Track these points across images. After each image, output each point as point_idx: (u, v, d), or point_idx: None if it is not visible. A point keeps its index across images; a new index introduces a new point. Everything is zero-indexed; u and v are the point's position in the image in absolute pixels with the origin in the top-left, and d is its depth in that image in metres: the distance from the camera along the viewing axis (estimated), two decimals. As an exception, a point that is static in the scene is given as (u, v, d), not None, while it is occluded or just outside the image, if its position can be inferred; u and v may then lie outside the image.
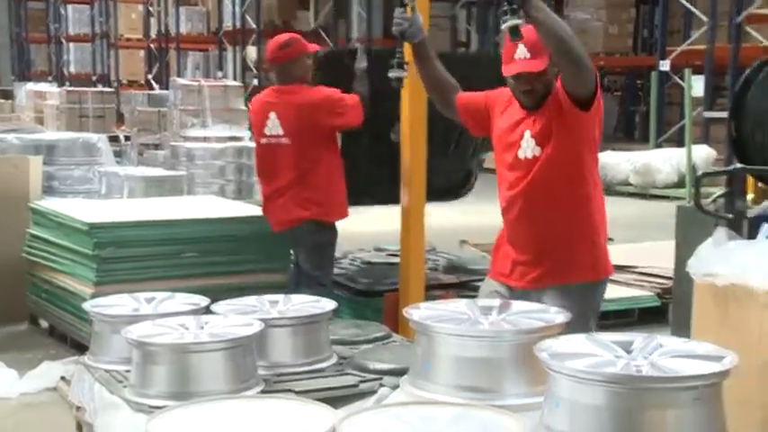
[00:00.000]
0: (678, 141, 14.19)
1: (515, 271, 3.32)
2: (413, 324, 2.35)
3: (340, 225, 5.00)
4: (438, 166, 5.14)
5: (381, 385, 2.59)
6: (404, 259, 5.00)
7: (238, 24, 20.92)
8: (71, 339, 5.51)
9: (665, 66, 14.41)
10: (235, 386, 2.43)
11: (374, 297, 5.34)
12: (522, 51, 3.09)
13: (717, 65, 13.80)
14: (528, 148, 3.21)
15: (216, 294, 3.08)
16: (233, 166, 11.02)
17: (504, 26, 2.79)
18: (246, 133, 11.80)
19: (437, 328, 2.29)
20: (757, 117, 4.81)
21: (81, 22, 25.35)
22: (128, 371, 2.61)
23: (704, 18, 14.06)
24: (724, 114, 10.54)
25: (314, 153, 4.80)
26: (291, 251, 5.30)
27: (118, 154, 12.16)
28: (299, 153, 4.79)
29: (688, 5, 14.86)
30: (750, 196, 4.40)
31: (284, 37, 4.96)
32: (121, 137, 14.26)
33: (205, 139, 11.48)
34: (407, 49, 3.59)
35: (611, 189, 12.76)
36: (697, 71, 12.58)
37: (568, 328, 2.30)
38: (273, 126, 4.85)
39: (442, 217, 7.12)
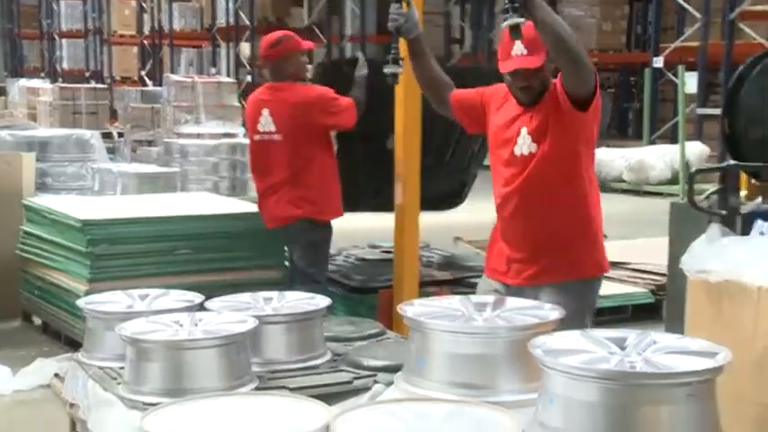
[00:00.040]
0: (672, 138, 14.21)
1: (511, 268, 3.31)
2: (407, 321, 2.35)
3: (335, 222, 5.00)
4: (432, 178, 5.16)
5: (375, 382, 2.59)
6: (398, 256, 5.00)
7: (232, 21, 20.89)
8: (65, 336, 5.51)
9: (658, 62, 14.43)
10: (229, 383, 2.43)
11: (368, 294, 5.34)
12: (518, 48, 3.09)
13: (710, 61, 13.82)
14: (524, 144, 3.21)
15: (210, 291, 3.07)
16: (226, 162, 11.00)
17: (504, 24, 2.79)
18: (240, 130, 11.78)
19: (431, 325, 2.29)
20: (750, 114, 4.82)
21: (74, 18, 25.27)
22: (121, 368, 2.60)
23: (697, 15, 14.08)
24: (717, 111, 10.58)
25: (307, 151, 4.79)
26: (286, 248, 5.30)
27: (111, 150, 12.13)
28: (291, 150, 4.79)
29: (681, 2, 14.88)
30: (743, 193, 4.41)
31: (277, 34, 4.96)
32: (115, 133, 14.22)
33: (198, 136, 11.46)
34: (402, 45, 3.58)
35: (605, 186, 12.77)
36: (690, 68, 12.57)
37: (565, 325, 2.30)
38: (266, 123, 4.85)
39: (435, 214, 7.12)
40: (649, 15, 17.07)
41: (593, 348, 2.00)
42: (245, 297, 2.92)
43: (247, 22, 20.31)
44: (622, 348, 2.01)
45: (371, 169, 5.34)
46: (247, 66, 20.52)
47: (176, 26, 22.31)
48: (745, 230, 3.26)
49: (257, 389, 2.47)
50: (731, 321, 2.49)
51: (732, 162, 4.05)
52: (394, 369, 2.50)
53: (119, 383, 2.58)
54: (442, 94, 3.50)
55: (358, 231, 7.30)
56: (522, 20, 2.78)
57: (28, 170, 6.61)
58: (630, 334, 2.07)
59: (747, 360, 2.39)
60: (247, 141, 5.46)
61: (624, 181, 13.62)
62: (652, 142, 14.36)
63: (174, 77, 13.28)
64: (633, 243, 7.74)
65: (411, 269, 4.97)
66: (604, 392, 1.82)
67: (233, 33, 20.89)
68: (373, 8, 19.80)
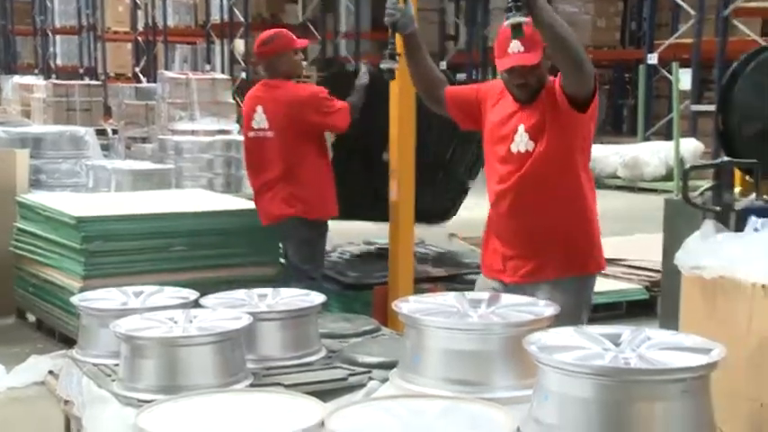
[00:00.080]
0: (666, 134, 14.23)
1: (508, 266, 3.31)
2: (402, 317, 2.35)
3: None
4: (425, 194, 5.18)
5: (370, 378, 2.59)
6: (393, 253, 5.00)
7: (226, 17, 20.87)
8: (59, 333, 5.50)
9: (652, 59, 14.44)
10: (224, 380, 2.43)
11: (363, 290, 5.35)
12: (515, 45, 3.09)
13: (704, 58, 13.83)
14: (521, 142, 3.21)
15: (204, 288, 3.07)
16: (221, 159, 10.99)
17: (507, 23, 2.79)
18: (235, 127, 11.77)
19: (426, 322, 2.29)
20: (744, 110, 4.83)
21: (67, 15, 25.21)
22: (116, 365, 2.60)
23: (692, 11, 14.09)
24: (711, 108, 10.57)
25: (299, 149, 4.79)
26: (281, 245, 5.31)
27: (105, 147, 12.10)
28: (284, 148, 4.79)
29: (675, -1, 14.89)
30: (737, 189, 4.42)
31: (270, 32, 4.98)
32: (109, 130, 14.19)
33: (193, 133, 11.44)
34: (398, 41, 3.58)
35: (600, 182, 12.77)
36: (684, 64, 12.58)
37: (562, 321, 2.30)
38: (260, 120, 4.86)
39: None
40: (644, 12, 17.09)
41: (587, 345, 2.00)
42: (239, 294, 2.92)
43: (242, 19, 20.29)
44: (617, 345, 2.01)
45: (367, 181, 5.37)
46: (242, 62, 20.50)
47: (170, 22, 22.26)
48: (739, 227, 3.27)
49: (252, 386, 2.47)
50: (725, 318, 2.50)
51: (726, 158, 4.06)
52: (389, 366, 2.50)
53: (113, 380, 2.58)
54: (435, 90, 3.50)
55: (353, 228, 7.28)
56: (524, 19, 2.78)
57: (22, 167, 6.59)
58: (625, 330, 2.07)
59: (741, 356, 2.39)
60: (242, 138, 5.47)
61: (619, 177, 13.63)
62: (646, 139, 14.37)
63: (169, 74, 13.25)
64: (628, 239, 7.75)
65: (406, 266, 4.98)
66: (599, 389, 1.82)
67: (227, 30, 20.87)
68: (368, 5, 19.80)
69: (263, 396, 2.17)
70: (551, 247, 3.25)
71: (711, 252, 2.59)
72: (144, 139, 12.89)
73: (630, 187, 13.39)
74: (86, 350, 2.84)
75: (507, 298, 2.56)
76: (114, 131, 13.83)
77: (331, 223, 5.03)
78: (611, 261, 6.65)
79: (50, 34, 25.67)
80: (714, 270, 2.54)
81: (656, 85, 15.65)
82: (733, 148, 4.77)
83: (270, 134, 4.83)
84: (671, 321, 3.17)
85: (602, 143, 14.05)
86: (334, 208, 4.93)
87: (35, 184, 8.36)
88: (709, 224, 2.86)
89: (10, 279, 5.99)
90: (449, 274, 5.66)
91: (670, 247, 4.41)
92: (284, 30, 5.12)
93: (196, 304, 2.84)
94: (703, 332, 2.10)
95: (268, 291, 2.94)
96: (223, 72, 19.22)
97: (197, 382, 2.38)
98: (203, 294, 2.90)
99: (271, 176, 4.85)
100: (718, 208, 3.77)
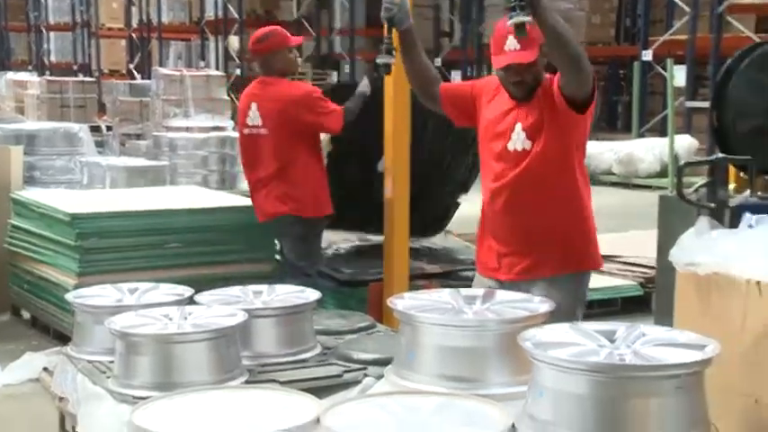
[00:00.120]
0: (661, 131, 14.24)
1: (503, 264, 3.31)
2: (397, 314, 2.35)
3: (325, 215, 5.01)
4: (419, 208, 5.21)
5: (366, 375, 2.59)
6: (388, 249, 5.00)
7: (220, 14, 20.83)
8: (54, 330, 5.49)
9: (647, 55, 14.45)
10: (219, 377, 2.43)
11: (358, 287, 5.35)
12: (511, 43, 3.09)
13: (699, 55, 13.85)
14: (518, 140, 3.21)
15: (200, 285, 3.07)
16: (216, 156, 10.97)
17: (510, 22, 2.79)
18: (229, 123, 11.75)
19: (421, 318, 2.29)
20: (739, 107, 4.83)
21: (61, 11, 25.15)
22: (111, 362, 2.60)
23: (686, 8, 14.11)
24: (706, 104, 10.58)
25: (292, 147, 4.79)
26: (277, 241, 5.31)
27: (100, 144, 12.09)
28: (277, 146, 4.80)
29: (670, -5, 14.91)
30: (732, 186, 4.42)
31: (265, 30, 4.98)
32: (103, 127, 14.17)
33: (187, 129, 11.42)
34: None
35: (595, 178, 12.78)
36: (679, 61, 12.61)
37: (558, 319, 2.30)
38: (254, 117, 4.87)
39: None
40: (638, 8, 17.10)
41: (582, 341, 2.00)
42: (234, 290, 2.92)
43: (236, 16, 20.26)
44: (612, 341, 2.02)
45: (361, 192, 5.40)
46: (236, 59, 20.47)
47: (165, 19, 22.22)
48: (734, 223, 3.27)
49: (247, 382, 2.47)
50: (720, 314, 2.50)
51: (721, 155, 4.06)
52: (384, 362, 2.51)
53: (108, 377, 2.58)
54: (430, 87, 3.50)
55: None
56: (528, 18, 2.78)
57: (16, 163, 6.57)
58: (620, 327, 2.08)
59: (736, 352, 2.40)
60: (236, 135, 5.47)
61: (613, 174, 13.64)
62: (641, 135, 14.38)
63: (163, 71, 13.23)
64: (622, 236, 7.76)
65: (401, 262, 4.98)
66: (594, 385, 1.82)
67: (222, 26, 20.83)
68: (362, 1, 19.79)
69: (258, 393, 2.17)
70: (547, 245, 3.25)
71: (706, 249, 2.59)
72: (138, 136, 12.87)
73: (625, 184, 13.40)
74: (81, 347, 2.84)
75: (502, 294, 2.56)
76: (108, 128, 13.80)
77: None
78: (606, 257, 6.64)
79: (44, 31, 25.60)
80: (708, 267, 2.54)
81: (651, 81, 15.66)
82: (727, 144, 4.77)
83: (263, 131, 4.84)
84: (666, 318, 3.17)
85: (596, 139, 14.06)
86: (329, 206, 4.92)
87: (29, 180, 8.35)
88: (703, 221, 2.86)
89: (5, 276, 5.98)
90: (444, 270, 5.66)
91: (664, 244, 4.41)
92: (279, 27, 5.12)
93: (191, 301, 2.84)
94: (698, 328, 2.11)
95: (263, 287, 2.94)
96: (217, 69, 19.20)
97: (192, 379, 2.39)
98: (198, 291, 2.90)
99: (264, 174, 4.85)
100: (712, 204, 3.77)
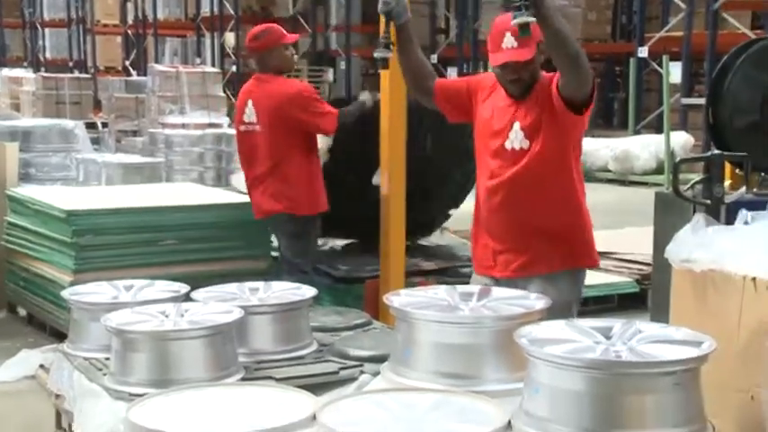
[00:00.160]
0: (657, 128, 14.26)
1: (498, 261, 3.31)
2: (393, 311, 2.35)
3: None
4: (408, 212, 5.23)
5: (362, 372, 2.59)
6: (384, 246, 5.01)
7: (216, 10, 20.83)
8: (50, 327, 5.49)
9: (643, 52, 14.46)
10: (215, 374, 2.42)
11: (355, 284, 5.35)
12: (509, 40, 3.08)
13: (694, 51, 13.87)
14: (516, 139, 3.20)
15: (196, 282, 3.07)
16: (212, 152, 10.96)
17: (514, 22, 2.79)
18: (225, 120, 11.75)
19: (417, 315, 2.29)
20: (734, 103, 4.84)
21: (56, 7, 25.12)
22: (107, 359, 2.60)
23: (682, 5, 14.12)
24: (702, 101, 10.60)
25: (286, 145, 4.79)
26: (274, 238, 5.31)
27: (95, 141, 12.07)
28: (271, 143, 4.80)
29: (666, -8, 14.92)
30: (727, 182, 4.43)
31: (261, 27, 4.99)
32: (99, 123, 14.15)
33: (183, 126, 11.43)
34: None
35: (591, 175, 12.80)
36: (675, 58, 12.63)
37: (552, 315, 2.30)
38: (250, 114, 4.88)
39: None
40: (634, 5, 17.11)
41: (578, 338, 2.00)
42: (231, 287, 2.92)
43: (232, 12, 20.25)
44: (608, 338, 2.02)
45: (357, 203, 5.41)
46: (232, 55, 20.46)
47: (160, 15, 22.20)
48: (730, 220, 3.27)
49: (243, 379, 2.47)
50: (716, 311, 2.50)
51: (716, 152, 4.06)
52: (380, 359, 2.50)
53: (104, 374, 2.58)
54: (425, 82, 3.49)
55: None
56: (532, 19, 2.78)
57: (11, 160, 6.56)
58: (616, 323, 2.08)
59: (732, 349, 2.40)
60: (232, 132, 5.48)
61: (609, 170, 13.66)
62: (637, 132, 14.40)
63: (159, 67, 13.24)
64: (618, 233, 7.76)
65: (397, 259, 4.98)
66: (590, 382, 1.82)
67: (217, 23, 20.83)
68: (358, -2, 19.79)
69: (254, 390, 2.18)
70: (544, 242, 3.25)
71: (702, 245, 2.59)
72: (134, 133, 12.87)
73: (621, 180, 13.42)
74: (77, 344, 2.83)
75: (498, 291, 2.56)
76: (104, 125, 13.80)
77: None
78: (602, 254, 6.64)
79: (39, 27, 25.57)
80: (704, 263, 2.54)
81: (647, 78, 15.68)
82: (723, 141, 4.78)
83: (258, 128, 4.84)
84: (662, 314, 3.17)
85: (593, 136, 14.08)
86: (324, 203, 4.91)
87: (25, 177, 8.33)
88: (699, 217, 2.86)
89: (1, 273, 5.98)
90: (440, 267, 5.66)
91: (660, 241, 4.42)
92: (275, 25, 5.13)
93: (187, 298, 2.83)
94: (694, 325, 2.11)
95: (259, 284, 2.94)
96: (213, 65, 19.21)
97: (188, 376, 2.38)
98: (194, 288, 2.90)
99: (259, 171, 4.86)
100: (708, 201, 3.77)
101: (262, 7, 21.09)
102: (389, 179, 4.89)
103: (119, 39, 23.66)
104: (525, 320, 2.20)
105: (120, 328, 2.47)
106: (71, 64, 23.99)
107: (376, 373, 2.46)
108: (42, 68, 22.78)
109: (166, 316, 2.58)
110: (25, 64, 24.40)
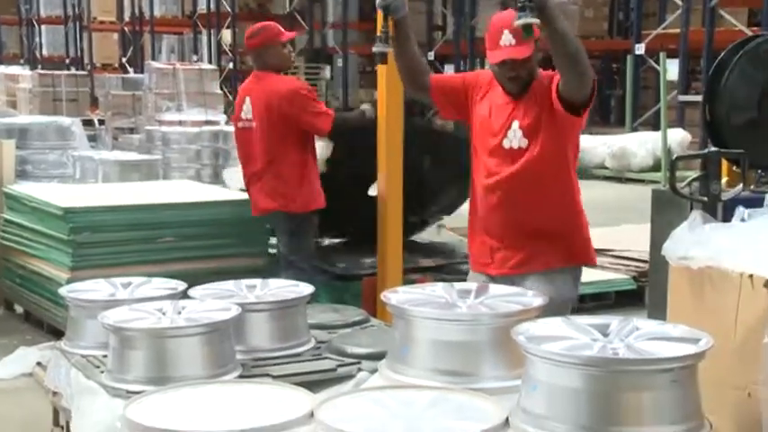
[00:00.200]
0: (654, 125, 14.27)
1: (495, 258, 3.31)
2: (391, 308, 2.35)
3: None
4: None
5: (359, 369, 2.59)
6: (382, 243, 5.01)
7: (213, 7, 20.80)
8: (47, 325, 5.48)
9: (640, 49, 14.47)
10: (212, 371, 2.42)
11: (352, 281, 5.35)
12: (507, 38, 3.08)
13: (692, 48, 13.87)
14: (515, 138, 3.20)
15: (193, 279, 3.06)
16: (209, 150, 10.95)
17: (518, 23, 2.79)
18: (222, 117, 11.74)
19: (415, 312, 2.29)
20: (731, 100, 4.84)
21: (53, 4, 25.07)
22: (104, 356, 2.59)
23: (679, 2, 14.12)
24: (699, 98, 10.59)
25: (282, 143, 4.78)
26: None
27: (92, 138, 12.04)
28: (267, 140, 4.80)
29: (663, -11, 14.92)
30: (724, 179, 4.44)
31: (258, 25, 5.00)
32: (96, 121, 14.13)
33: (180, 123, 11.42)
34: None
35: (588, 172, 12.82)
36: (672, 55, 12.62)
37: (549, 312, 2.30)
38: (247, 111, 4.88)
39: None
40: (631, 2, 17.12)
41: (575, 335, 2.00)
42: (228, 285, 2.91)
43: (229, 9, 20.23)
44: (605, 335, 2.02)
45: (355, 216, 5.41)
46: (229, 53, 20.44)
47: (157, 12, 22.17)
48: (727, 217, 3.28)
49: (241, 377, 2.46)
50: (713, 308, 2.51)
51: (713, 149, 4.07)
52: (378, 356, 2.50)
53: (102, 372, 2.57)
54: (420, 77, 3.49)
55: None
56: (536, 20, 2.78)
57: (8, 157, 6.57)
58: (613, 320, 2.08)
59: (729, 346, 2.40)
60: (229, 129, 5.48)
61: (606, 168, 13.67)
62: (634, 129, 14.41)
63: (156, 64, 13.23)
64: (615, 230, 7.77)
65: (395, 256, 4.98)
66: (587, 379, 1.83)
67: (214, 20, 20.80)
68: (355, -5, 19.78)
69: (251, 387, 2.17)
70: (541, 240, 3.26)
71: (699, 242, 2.59)
72: (131, 130, 12.85)
73: (618, 178, 13.43)
74: (75, 341, 2.83)
75: (495, 289, 2.56)
76: (101, 122, 13.77)
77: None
78: (599, 251, 6.65)
79: (36, 24, 25.53)
80: (701, 260, 2.55)
81: (644, 75, 15.69)
82: (720, 138, 4.78)
83: (254, 125, 4.85)
84: (659, 311, 3.18)
85: (590, 134, 14.09)
86: (320, 200, 4.90)
87: (21, 174, 8.33)
88: (696, 214, 2.86)
89: (-3, 270, 5.98)
90: (437, 264, 5.66)
91: (657, 238, 4.43)
92: (272, 23, 5.12)
93: (184, 295, 2.83)
94: (691, 322, 2.11)
95: (257, 282, 2.94)
96: (210, 62, 19.15)
97: (186, 374, 2.38)
98: (192, 285, 2.90)
99: (256, 168, 4.86)
100: (705, 198, 3.78)
101: (258, 4, 21.07)
102: (387, 177, 4.89)
103: (115, 36, 23.62)
104: (523, 318, 2.20)
105: (118, 325, 2.47)
106: (68, 61, 23.94)
107: (374, 371, 2.46)
108: (39, 65, 22.75)
109: (164, 313, 2.57)
110: (22, 61, 24.37)
